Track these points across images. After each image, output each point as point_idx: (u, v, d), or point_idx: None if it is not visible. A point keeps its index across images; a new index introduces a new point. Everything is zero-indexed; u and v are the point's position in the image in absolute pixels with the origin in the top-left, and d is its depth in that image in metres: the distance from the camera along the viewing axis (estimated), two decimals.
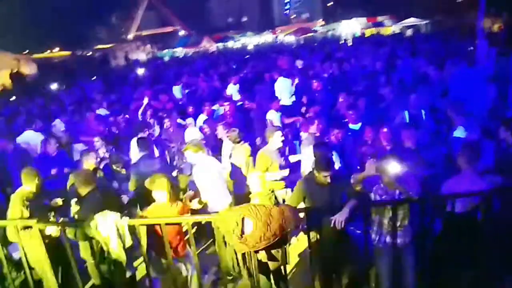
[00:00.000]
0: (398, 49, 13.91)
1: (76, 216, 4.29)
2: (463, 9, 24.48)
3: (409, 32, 26.86)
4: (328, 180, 3.75)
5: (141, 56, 33.10)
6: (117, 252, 3.66)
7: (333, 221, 3.38)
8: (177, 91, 11.49)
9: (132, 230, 3.67)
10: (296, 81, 9.57)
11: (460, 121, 5.17)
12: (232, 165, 5.51)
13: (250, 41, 37.44)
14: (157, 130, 7.80)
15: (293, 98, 9.19)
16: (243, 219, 3.56)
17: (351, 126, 6.18)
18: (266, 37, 39.49)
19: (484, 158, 4.02)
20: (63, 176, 5.61)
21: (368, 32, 28.90)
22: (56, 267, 4.07)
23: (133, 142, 6.79)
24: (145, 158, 5.71)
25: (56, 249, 4.04)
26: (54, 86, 16.26)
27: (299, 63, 13.20)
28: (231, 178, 5.43)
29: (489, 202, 3.36)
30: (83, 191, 4.16)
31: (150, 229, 3.88)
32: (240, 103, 8.85)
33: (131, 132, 7.54)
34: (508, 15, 19.61)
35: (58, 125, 8.57)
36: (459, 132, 5.07)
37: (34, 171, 4.48)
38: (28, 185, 4.36)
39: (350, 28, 33.28)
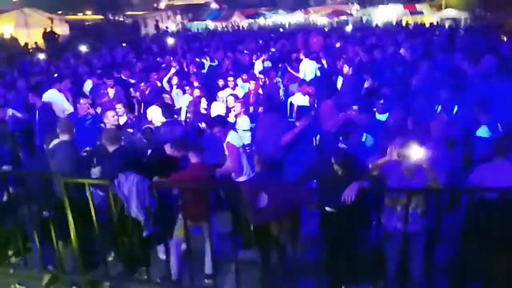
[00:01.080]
0: (434, 40, 13.48)
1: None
2: (506, 6, 23.38)
3: (447, 24, 25.89)
4: (342, 172, 3.76)
5: (171, 26, 33.10)
6: (136, 211, 3.82)
7: (342, 197, 3.39)
8: (204, 63, 11.52)
9: (153, 192, 3.81)
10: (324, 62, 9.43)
11: (484, 119, 5.04)
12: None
13: (282, 19, 36.81)
14: (181, 101, 7.90)
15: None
16: (258, 193, 3.65)
17: (378, 116, 6.09)
18: (298, 17, 38.71)
19: None
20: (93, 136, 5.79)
21: (404, 20, 27.98)
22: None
23: (152, 109, 6.92)
24: (169, 124, 5.85)
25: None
26: (84, 48, 16.54)
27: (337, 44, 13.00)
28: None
29: None
30: (110, 148, 4.32)
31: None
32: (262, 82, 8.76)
33: (153, 99, 7.64)
34: None
35: (87, 87, 8.77)
36: (483, 132, 4.96)
37: (70, 121, 4.66)
38: (66, 135, 4.54)
39: (386, 14, 32.27)
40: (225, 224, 4.24)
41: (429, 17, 28.74)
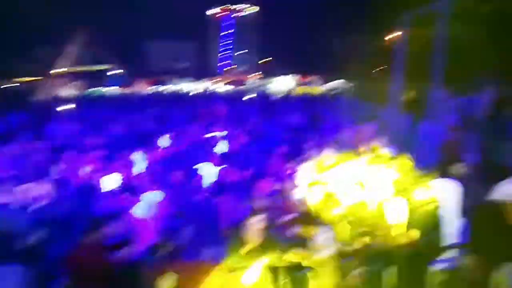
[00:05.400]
0: (323, 108, 14.79)
1: None
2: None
3: (335, 93, 28.82)
4: None
5: (69, 92, 31.63)
6: None
7: None
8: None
9: None
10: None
11: None
12: None
13: (184, 87, 37.62)
14: None
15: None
16: None
17: None
18: (201, 85, 40.02)
19: None
20: None
21: (300, 90, 30.56)
22: None
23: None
24: None
25: None
26: None
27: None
28: None
29: None
30: None
31: None
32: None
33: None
34: None
35: None
36: None
37: None
38: None
39: (284, 84, 35.05)
40: None
41: (321, 87, 31.97)
